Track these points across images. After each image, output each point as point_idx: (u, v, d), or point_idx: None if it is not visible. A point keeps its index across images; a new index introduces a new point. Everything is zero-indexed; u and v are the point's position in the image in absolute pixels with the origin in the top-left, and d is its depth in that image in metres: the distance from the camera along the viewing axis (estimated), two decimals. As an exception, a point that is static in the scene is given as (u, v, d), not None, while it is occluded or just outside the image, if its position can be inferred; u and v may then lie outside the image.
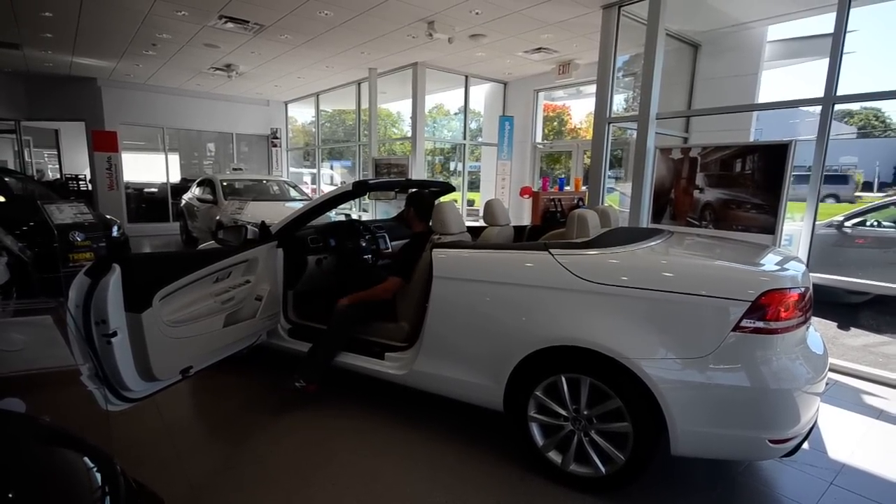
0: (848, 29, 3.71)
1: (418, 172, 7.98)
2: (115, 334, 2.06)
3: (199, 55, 7.68)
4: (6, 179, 6.35)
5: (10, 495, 0.97)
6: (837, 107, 3.79)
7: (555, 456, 2.23)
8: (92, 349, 2.05)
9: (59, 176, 12.13)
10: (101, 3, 5.53)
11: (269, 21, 6.03)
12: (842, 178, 16.84)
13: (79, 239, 4.66)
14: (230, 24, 6.13)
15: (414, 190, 3.44)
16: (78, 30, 6.51)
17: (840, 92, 3.70)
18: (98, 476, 1.15)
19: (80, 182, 11.30)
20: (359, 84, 9.42)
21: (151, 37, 6.78)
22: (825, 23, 4.90)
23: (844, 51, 3.69)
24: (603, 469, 2.11)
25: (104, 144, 9.78)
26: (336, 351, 2.83)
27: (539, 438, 2.26)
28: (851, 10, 3.69)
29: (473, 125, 9.95)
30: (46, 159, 14.00)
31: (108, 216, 5.95)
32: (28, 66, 8.60)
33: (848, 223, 5.66)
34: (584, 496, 2.15)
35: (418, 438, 2.60)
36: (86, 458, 1.16)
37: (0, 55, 7.85)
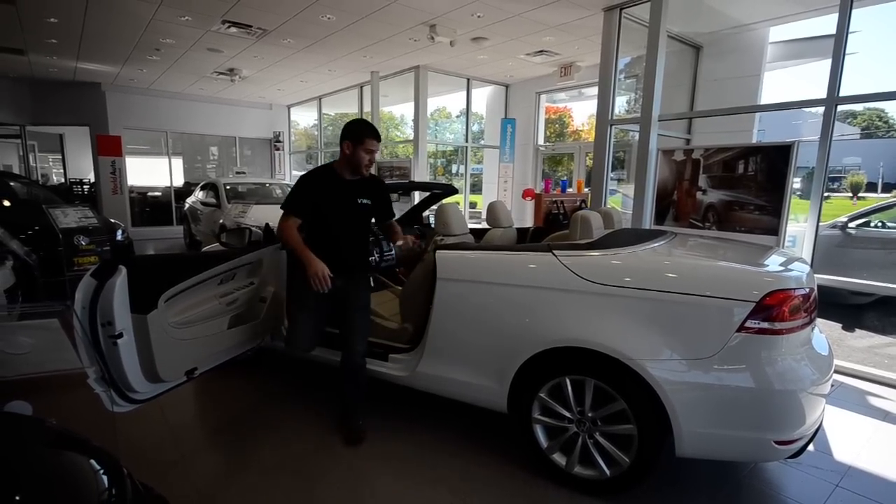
0: (850, 30, 3.71)
1: (420, 175, 8.00)
2: (121, 335, 2.07)
3: (203, 60, 7.72)
4: (11, 184, 6.39)
5: (18, 498, 0.98)
6: (840, 107, 3.79)
7: (559, 458, 2.22)
8: (98, 350, 2.06)
9: (63, 180, 12.20)
10: (105, 9, 5.57)
11: (272, 25, 6.06)
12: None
13: (83, 243, 4.69)
14: (233, 29, 6.17)
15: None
16: (82, 35, 6.56)
17: (843, 93, 3.70)
18: (105, 478, 1.15)
19: (85, 186, 11.36)
20: (361, 87, 9.45)
21: (155, 42, 6.82)
22: (827, 24, 4.91)
23: (847, 51, 3.69)
24: (608, 471, 2.10)
25: (108, 149, 9.84)
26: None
27: (543, 440, 2.25)
28: (854, 11, 3.69)
29: (475, 128, 9.96)
30: (51, 163, 14.09)
31: (112, 220, 5.97)
32: (33, 71, 8.66)
33: (852, 224, 5.63)
34: (589, 498, 2.15)
35: (422, 440, 2.60)
36: (92, 461, 1.17)
37: (5, 61, 7.90)
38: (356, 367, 2.58)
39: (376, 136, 2.47)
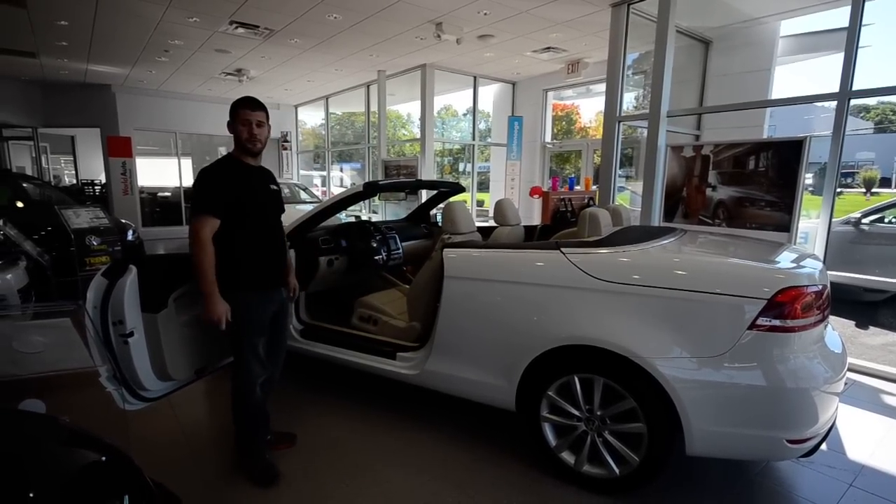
0: (863, 23, 3.65)
1: (427, 173, 7.99)
2: (131, 334, 2.09)
3: (211, 60, 7.77)
4: (24, 185, 6.48)
5: (31, 495, 0.99)
6: (853, 102, 3.73)
7: (568, 456, 2.22)
8: (109, 349, 2.08)
9: (75, 181, 12.35)
10: (114, 11, 5.62)
11: (279, 26, 6.08)
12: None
13: (95, 243, 4.75)
14: (241, 30, 6.20)
15: None
16: (92, 38, 6.62)
17: (856, 87, 3.64)
18: (117, 475, 1.16)
19: (96, 187, 11.49)
20: (368, 86, 9.47)
21: (164, 43, 6.88)
22: (840, 17, 4.83)
23: (860, 45, 3.63)
24: (617, 470, 2.09)
25: (119, 150, 9.94)
26: None
27: (552, 439, 2.25)
28: (867, 4, 3.63)
29: (482, 126, 9.92)
30: (63, 165, 14.28)
31: (123, 220, 6.04)
32: (44, 74, 8.77)
33: (865, 220, 5.55)
34: (598, 497, 2.14)
35: (430, 439, 2.61)
36: (105, 458, 1.18)
37: (18, 64, 8.01)
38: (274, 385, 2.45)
39: (252, 104, 2.13)
